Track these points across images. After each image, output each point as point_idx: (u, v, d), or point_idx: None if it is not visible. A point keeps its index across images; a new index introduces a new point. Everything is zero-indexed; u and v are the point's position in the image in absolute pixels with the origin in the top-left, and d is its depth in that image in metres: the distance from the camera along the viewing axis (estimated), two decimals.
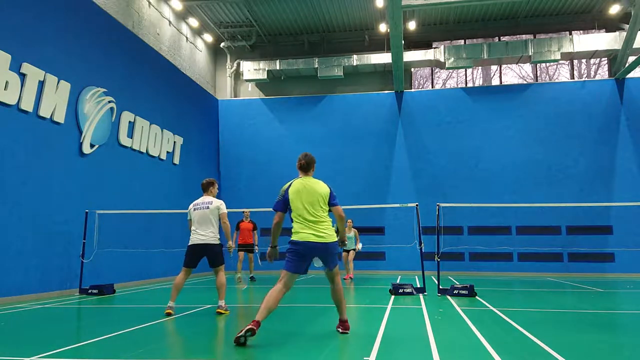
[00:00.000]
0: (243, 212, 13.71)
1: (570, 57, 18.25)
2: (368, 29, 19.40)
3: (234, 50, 20.03)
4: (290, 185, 5.53)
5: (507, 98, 18.30)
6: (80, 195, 11.33)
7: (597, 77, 18.88)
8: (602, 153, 17.37)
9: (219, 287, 7.46)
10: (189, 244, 7.41)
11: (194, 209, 7.52)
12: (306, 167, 5.63)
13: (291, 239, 5.44)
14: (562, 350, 4.70)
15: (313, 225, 5.41)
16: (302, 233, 5.39)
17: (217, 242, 7.43)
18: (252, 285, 12.67)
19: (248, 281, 13.62)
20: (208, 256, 7.38)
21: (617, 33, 17.38)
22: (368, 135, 18.74)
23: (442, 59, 18.17)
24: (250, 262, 13.69)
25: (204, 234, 7.33)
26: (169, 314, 7.09)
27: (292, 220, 5.51)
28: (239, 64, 19.95)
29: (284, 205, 5.50)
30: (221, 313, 7.33)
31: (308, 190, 5.49)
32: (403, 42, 16.33)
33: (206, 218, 7.38)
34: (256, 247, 13.60)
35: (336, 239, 5.59)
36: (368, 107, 18.96)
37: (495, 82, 19.82)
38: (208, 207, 7.46)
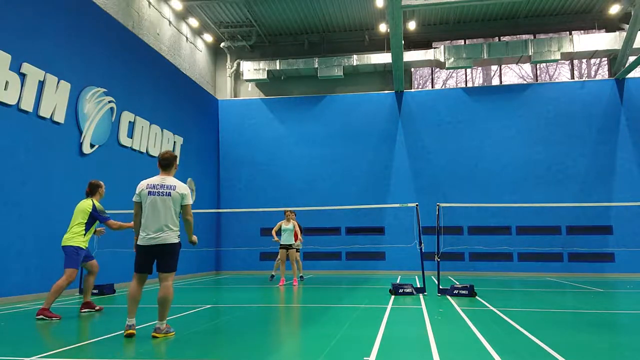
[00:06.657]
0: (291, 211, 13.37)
1: (570, 57, 18.24)
2: (368, 29, 19.39)
3: (234, 50, 20.03)
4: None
5: (507, 98, 18.31)
6: (80, 195, 11.25)
7: (597, 77, 18.87)
8: (602, 153, 17.37)
9: (162, 301, 5.41)
10: (141, 243, 5.50)
11: (149, 192, 5.55)
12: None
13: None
14: (562, 350, 4.70)
15: None
16: None
17: (178, 240, 5.60)
18: (296, 285, 12.43)
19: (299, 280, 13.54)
20: (161, 258, 5.51)
21: (617, 33, 17.38)
22: (368, 135, 18.74)
23: (442, 59, 18.17)
24: (299, 262, 13.27)
25: (162, 232, 5.46)
26: (130, 335, 5.36)
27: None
28: (239, 64, 19.95)
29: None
30: (157, 337, 5.38)
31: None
32: (403, 42, 16.33)
33: (167, 208, 5.52)
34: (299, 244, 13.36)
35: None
36: (368, 107, 18.96)
37: (495, 82, 19.81)
38: (170, 194, 5.55)
